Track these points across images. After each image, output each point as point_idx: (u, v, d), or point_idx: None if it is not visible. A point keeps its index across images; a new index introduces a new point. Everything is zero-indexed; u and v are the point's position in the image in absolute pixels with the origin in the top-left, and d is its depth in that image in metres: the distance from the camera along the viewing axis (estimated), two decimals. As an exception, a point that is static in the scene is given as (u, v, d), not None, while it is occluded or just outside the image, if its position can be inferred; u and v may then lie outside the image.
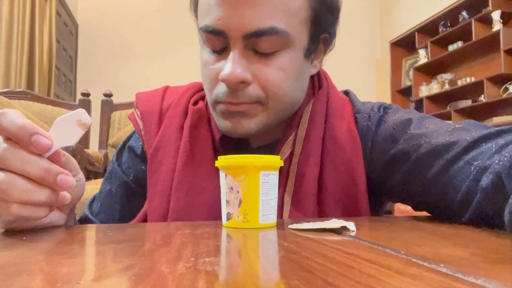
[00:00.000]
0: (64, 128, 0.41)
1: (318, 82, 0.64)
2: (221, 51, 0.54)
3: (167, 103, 0.65)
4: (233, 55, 0.51)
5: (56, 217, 0.45)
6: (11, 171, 0.38)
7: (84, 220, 0.66)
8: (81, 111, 0.42)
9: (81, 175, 0.47)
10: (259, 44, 0.51)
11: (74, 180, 0.41)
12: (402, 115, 0.58)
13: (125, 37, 4.36)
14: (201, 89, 0.67)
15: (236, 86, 0.51)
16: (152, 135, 0.62)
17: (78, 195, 0.47)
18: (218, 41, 0.53)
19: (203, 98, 0.65)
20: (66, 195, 0.41)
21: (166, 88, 0.68)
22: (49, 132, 0.40)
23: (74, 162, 0.45)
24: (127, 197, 0.65)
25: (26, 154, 0.38)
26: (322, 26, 0.56)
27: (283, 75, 0.53)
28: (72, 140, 0.41)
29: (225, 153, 0.49)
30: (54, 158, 0.41)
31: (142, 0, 4.43)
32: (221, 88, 0.53)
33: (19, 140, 0.38)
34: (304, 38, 0.55)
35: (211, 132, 0.61)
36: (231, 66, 0.51)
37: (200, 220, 0.55)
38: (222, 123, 0.56)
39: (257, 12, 0.49)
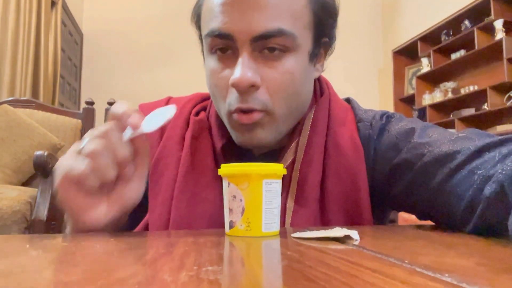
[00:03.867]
0: (153, 118, 0.48)
1: (319, 89, 0.64)
2: (228, 58, 0.54)
3: None
4: (242, 58, 0.51)
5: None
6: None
7: None
8: (172, 107, 0.49)
9: (145, 173, 0.50)
10: (267, 46, 0.52)
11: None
12: (405, 124, 0.58)
13: (129, 47, 4.40)
14: (203, 100, 0.67)
15: (247, 89, 0.52)
16: (153, 145, 0.62)
17: (135, 194, 0.49)
18: (223, 44, 0.53)
19: (204, 108, 0.66)
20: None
21: (168, 99, 0.69)
22: (144, 119, 0.48)
23: (147, 159, 0.50)
24: None
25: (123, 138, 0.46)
26: (323, 30, 0.57)
27: (289, 78, 0.54)
28: (153, 127, 0.48)
29: (227, 162, 0.50)
30: (138, 141, 0.47)
31: (146, 10, 4.47)
32: (233, 95, 0.53)
33: (122, 117, 0.46)
34: (308, 41, 0.55)
35: (212, 142, 0.61)
36: (242, 69, 0.51)
37: (208, 227, 0.55)
38: (237, 136, 0.56)
39: (265, 14, 0.50)
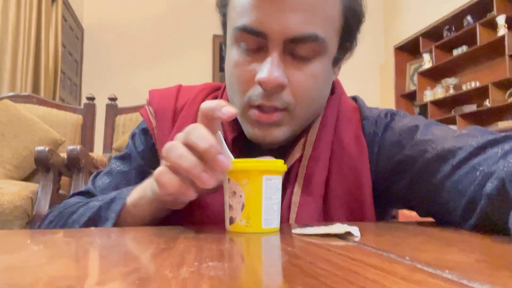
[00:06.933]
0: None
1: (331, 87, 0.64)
2: (256, 52, 0.53)
3: (181, 102, 0.65)
4: (272, 58, 0.50)
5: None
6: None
7: (87, 193, 0.64)
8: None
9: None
10: (297, 49, 0.51)
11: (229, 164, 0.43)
12: (409, 121, 0.59)
13: (130, 42, 4.39)
14: (215, 90, 0.67)
15: (273, 89, 0.51)
16: (165, 133, 0.62)
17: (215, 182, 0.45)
18: (254, 41, 0.52)
19: (215, 98, 0.65)
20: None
21: (179, 87, 0.68)
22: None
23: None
24: (140, 180, 0.64)
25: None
26: (349, 35, 0.57)
27: (314, 81, 0.53)
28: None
29: (236, 155, 0.50)
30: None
31: (147, 5, 4.46)
32: (256, 91, 0.52)
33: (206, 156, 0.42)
34: (335, 46, 0.55)
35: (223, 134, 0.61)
36: (270, 69, 0.50)
37: (209, 223, 0.55)
38: (250, 131, 0.56)
39: (301, 17, 0.49)
